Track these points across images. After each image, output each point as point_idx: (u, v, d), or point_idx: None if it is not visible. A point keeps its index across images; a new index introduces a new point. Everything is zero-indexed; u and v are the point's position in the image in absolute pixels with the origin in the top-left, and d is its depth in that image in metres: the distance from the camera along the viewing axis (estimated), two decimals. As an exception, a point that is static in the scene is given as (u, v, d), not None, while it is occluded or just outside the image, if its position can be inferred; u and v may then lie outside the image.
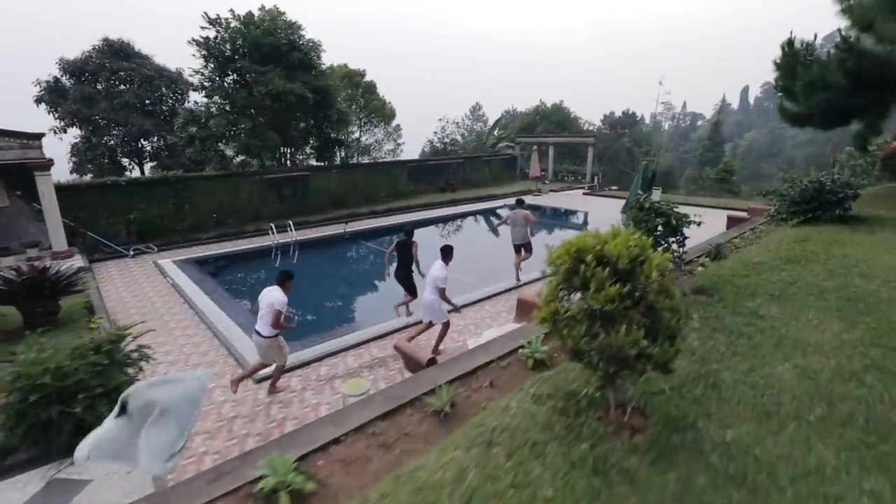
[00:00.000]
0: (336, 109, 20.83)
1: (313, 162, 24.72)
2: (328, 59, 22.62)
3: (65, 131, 26.56)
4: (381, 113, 29.39)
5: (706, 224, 8.09)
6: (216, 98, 18.87)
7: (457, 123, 34.85)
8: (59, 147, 27.11)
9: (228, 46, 18.54)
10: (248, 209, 19.06)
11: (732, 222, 13.84)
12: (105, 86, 25.63)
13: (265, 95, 18.09)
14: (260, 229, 17.38)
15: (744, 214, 14.99)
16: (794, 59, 11.89)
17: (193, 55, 18.61)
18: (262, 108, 18.60)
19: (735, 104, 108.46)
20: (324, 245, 16.63)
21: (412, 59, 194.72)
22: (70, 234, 14.64)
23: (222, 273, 13.95)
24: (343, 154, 27.98)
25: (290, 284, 6.57)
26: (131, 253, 14.67)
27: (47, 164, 13.22)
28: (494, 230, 15.13)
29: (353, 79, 28.02)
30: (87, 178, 25.82)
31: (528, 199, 25.23)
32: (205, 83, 18.83)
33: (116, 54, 26.14)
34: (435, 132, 34.49)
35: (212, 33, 18.63)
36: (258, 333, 6.41)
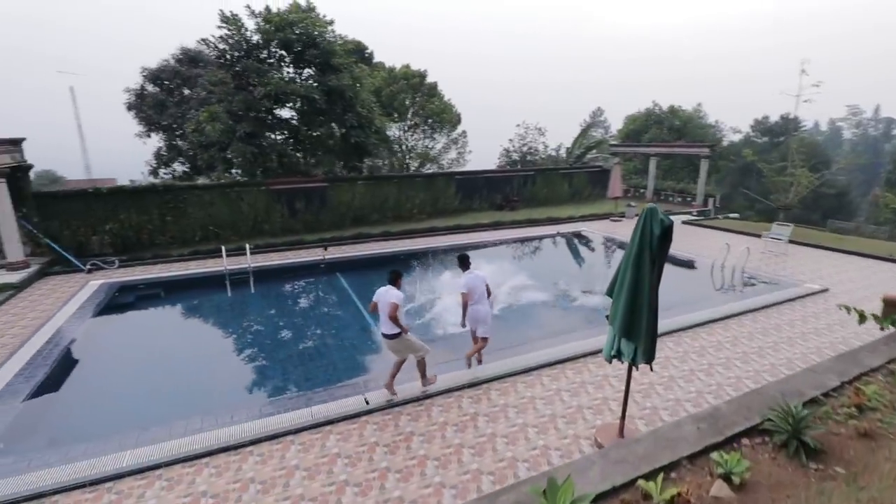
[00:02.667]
0: (356, 113, 17.84)
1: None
2: (392, 58, 19.97)
3: (148, 136, 28.25)
4: (440, 117, 25.93)
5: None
6: (216, 102, 17.14)
7: (539, 129, 29.80)
8: (145, 151, 28.98)
9: (230, 45, 16.68)
10: (246, 223, 17.04)
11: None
12: (177, 92, 26.51)
13: (265, 97, 15.84)
14: (258, 246, 15.07)
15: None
16: None
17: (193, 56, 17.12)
18: (262, 110, 16.42)
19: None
20: (288, 277, 13.59)
21: (549, 62, 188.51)
22: (35, 243, 13.86)
23: (139, 303, 11.68)
24: (386, 162, 25.22)
25: (401, 282, 6.57)
26: (87, 268, 13.30)
27: (1, 172, 12.32)
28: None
29: (410, 80, 25.04)
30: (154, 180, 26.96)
31: (604, 226, 19.73)
32: (209, 86, 17.33)
33: (191, 62, 27.00)
34: (510, 139, 29.90)
35: (225, 32, 16.99)
36: (384, 336, 6.39)
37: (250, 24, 17.41)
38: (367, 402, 6.38)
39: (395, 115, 26.77)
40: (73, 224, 14.29)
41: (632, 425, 5.93)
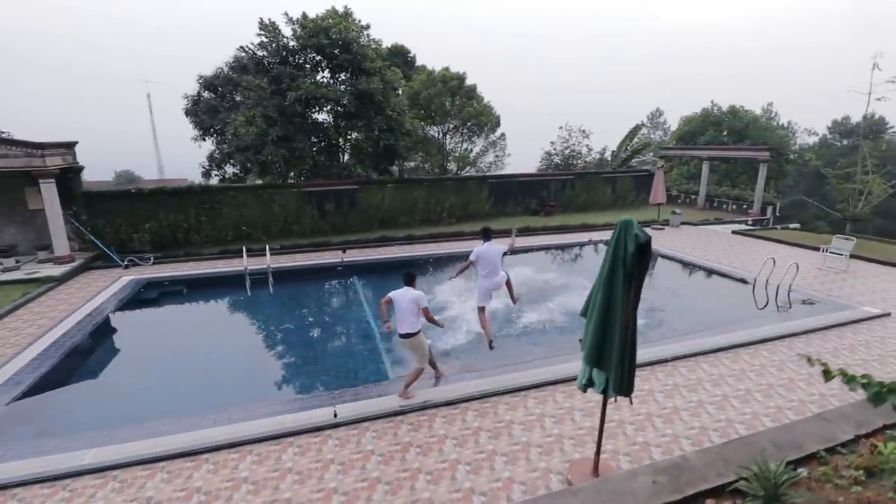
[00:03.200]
0: (386, 116, 17.83)
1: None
2: (435, 61, 19.94)
3: (203, 139, 29.97)
4: (478, 120, 25.47)
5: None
6: (253, 107, 17.74)
7: (584, 131, 28.51)
8: (200, 153, 30.76)
9: (268, 51, 17.21)
10: (277, 223, 17.51)
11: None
12: (228, 98, 27.91)
13: (296, 101, 16.19)
14: (284, 247, 15.52)
15: None
16: None
17: (245, 64, 17.82)
18: (295, 115, 16.80)
19: None
20: (306, 278, 13.72)
21: (601, 61, 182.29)
22: (81, 239, 14.92)
23: (160, 299, 12.22)
24: (426, 164, 25.08)
25: (415, 283, 6.68)
26: (125, 263, 14.15)
27: (51, 173, 13.37)
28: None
29: (448, 83, 24.79)
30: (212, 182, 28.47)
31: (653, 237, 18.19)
32: (247, 92, 17.97)
33: (243, 69, 28.33)
34: (551, 142, 28.80)
35: (264, 39, 17.58)
36: (403, 336, 6.47)
37: (288, 30, 17.94)
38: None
39: (435, 118, 26.65)
40: (117, 222, 15.29)
41: (614, 462, 5.30)
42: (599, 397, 6.56)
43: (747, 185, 25.71)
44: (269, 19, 17.54)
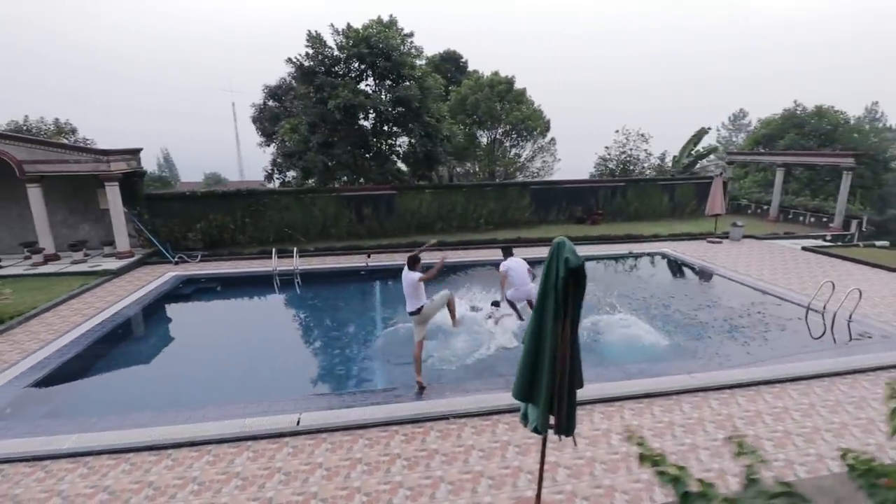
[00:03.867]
0: (423, 122, 17.91)
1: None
2: (489, 66, 20.04)
3: (267, 145, 32.01)
4: (525, 124, 24.81)
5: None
6: (297, 116, 18.58)
7: (642, 135, 26.76)
8: (264, 158, 32.92)
9: (314, 61, 17.95)
10: (316, 226, 18.21)
11: None
12: (289, 106, 29.57)
13: (335, 108, 16.74)
14: (318, 249, 16.20)
15: None
16: None
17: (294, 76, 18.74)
18: (336, 122, 17.36)
19: None
20: (331, 281, 14.05)
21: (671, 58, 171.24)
22: (141, 237, 16.40)
23: (195, 294, 13.10)
24: (476, 170, 24.80)
25: (419, 266, 7.34)
26: (175, 260, 15.38)
27: (115, 176, 14.86)
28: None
29: (496, 87, 24.40)
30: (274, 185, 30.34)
31: (699, 249, 16.66)
32: (296, 102, 18.85)
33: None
34: (606, 147, 27.26)
35: (310, 51, 18.40)
36: (410, 314, 7.27)
37: (333, 41, 18.64)
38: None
39: (484, 123, 26.39)
40: (173, 222, 16.68)
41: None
42: (580, 427, 6.01)
43: (833, 196, 22.77)
44: (316, 31, 18.33)
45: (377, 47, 17.64)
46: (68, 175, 14.79)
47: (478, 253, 16.26)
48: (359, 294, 13.56)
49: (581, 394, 4.25)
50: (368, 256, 14.91)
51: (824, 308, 9.96)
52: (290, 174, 31.30)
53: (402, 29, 19.32)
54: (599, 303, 10.81)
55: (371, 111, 17.15)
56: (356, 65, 18.70)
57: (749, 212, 24.18)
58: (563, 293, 3.85)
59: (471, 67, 30.49)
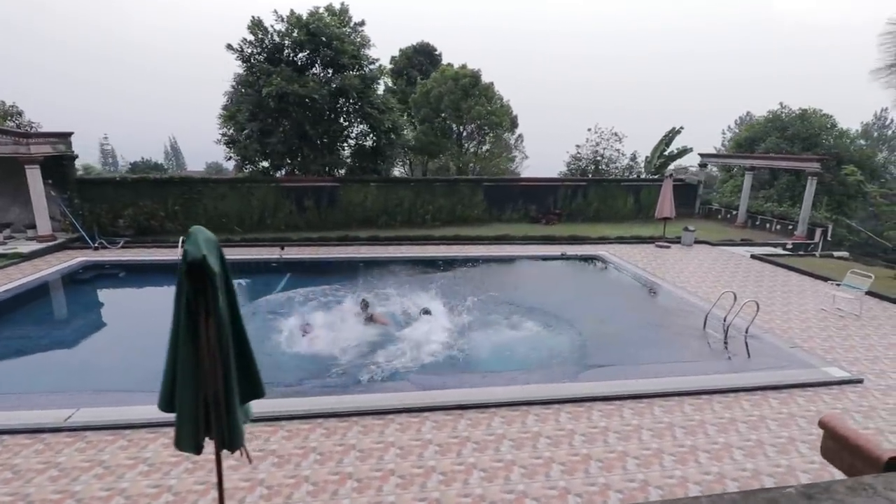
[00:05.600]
0: (365, 114, 17.34)
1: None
2: (464, 60, 19.40)
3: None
4: (488, 120, 24.02)
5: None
6: (236, 104, 18.15)
7: (616, 134, 25.81)
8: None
9: (254, 49, 17.50)
10: (252, 216, 17.77)
11: None
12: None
13: (268, 97, 16.26)
14: (245, 240, 15.84)
15: None
16: None
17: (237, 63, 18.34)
18: (271, 110, 16.88)
19: None
20: (240, 271, 13.57)
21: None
22: (64, 220, 16.11)
23: (92, 280, 12.77)
24: (452, 164, 23.97)
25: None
26: (95, 245, 15.05)
27: (35, 159, 14.57)
28: None
29: (459, 81, 23.67)
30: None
31: (642, 253, 15.71)
32: (233, 87, 18.42)
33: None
34: (577, 146, 26.34)
35: (251, 37, 17.94)
36: None
37: (275, 28, 18.16)
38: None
39: (446, 118, 25.59)
40: (102, 207, 16.36)
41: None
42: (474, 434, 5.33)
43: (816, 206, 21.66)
44: (258, 17, 17.87)
45: (318, 35, 17.10)
46: (-9, 157, 14.53)
47: (420, 249, 15.74)
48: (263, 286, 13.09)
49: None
50: (282, 249, 14.42)
51: (725, 319, 9.18)
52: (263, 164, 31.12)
53: (350, 17, 18.75)
54: (452, 302, 10.25)
55: (307, 100, 16.59)
56: (302, 54, 18.21)
57: (719, 216, 23.20)
58: (190, 289, 3.31)
59: (446, 60, 29.80)
